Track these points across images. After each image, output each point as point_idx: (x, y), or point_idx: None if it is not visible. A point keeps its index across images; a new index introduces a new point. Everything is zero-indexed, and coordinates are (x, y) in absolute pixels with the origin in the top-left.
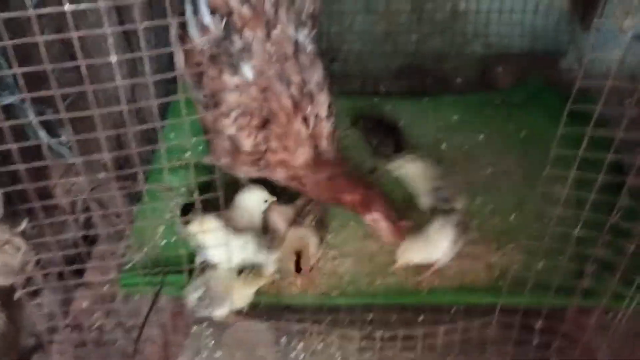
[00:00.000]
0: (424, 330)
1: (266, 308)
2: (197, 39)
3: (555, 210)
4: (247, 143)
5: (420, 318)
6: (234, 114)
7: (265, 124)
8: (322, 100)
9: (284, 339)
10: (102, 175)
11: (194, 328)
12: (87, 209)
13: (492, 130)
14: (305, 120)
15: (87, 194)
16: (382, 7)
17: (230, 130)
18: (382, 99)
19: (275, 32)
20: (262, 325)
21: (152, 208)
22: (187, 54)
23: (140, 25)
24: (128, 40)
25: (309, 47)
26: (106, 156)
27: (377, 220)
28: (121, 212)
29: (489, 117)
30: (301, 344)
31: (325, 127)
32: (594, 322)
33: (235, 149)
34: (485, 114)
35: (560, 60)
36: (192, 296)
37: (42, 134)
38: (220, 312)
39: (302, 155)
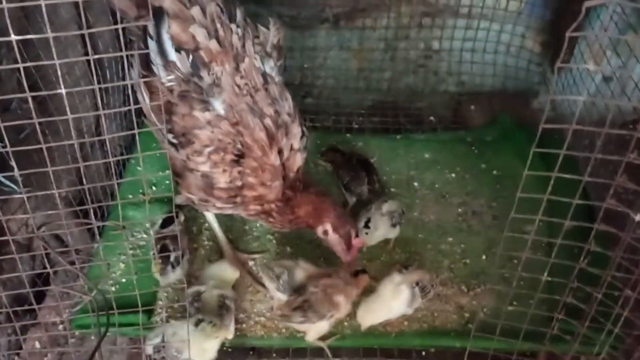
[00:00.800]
0: None
1: (224, 348)
2: (164, 78)
3: (524, 253)
4: (222, 179)
5: None
6: (207, 151)
7: (239, 158)
8: (295, 132)
9: None
10: (59, 210)
11: None
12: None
13: (463, 169)
14: (280, 152)
15: (41, 230)
16: (356, 44)
17: (204, 167)
18: (354, 135)
19: (244, 65)
20: None
21: (111, 245)
22: (154, 94)
23: (94, 56)
24: (95, 72)
25: (277, 78)
26: (60, 191)
27: (327, 232)
28: (79, 248)
29: (461, 155)
30: None
31: (298, 159)
32: None
33: (209, 186)
34: (457, 153)
35: (532, 100)
36: (149, 344)
37: None
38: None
39: (275, 189)
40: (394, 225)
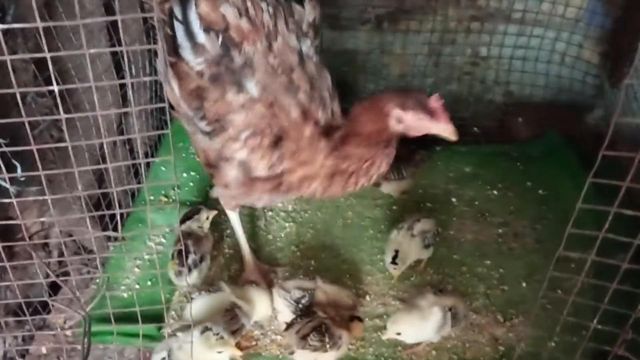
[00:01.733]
0: None
1: None
2: (193, 61)
3: (570, 297)
4: (261, 166)
5: None
6: (243, 136)
7: (277, 142)
8: (335, 109)
9: None
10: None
11: None
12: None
13: (506, 186)
14: (316, 124)
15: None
16: (398, 48)
17: (241, 154)
18: None
19: (277, 44)
20: None
21: (128, 249)
22: (183, 80)
23: (125, 47)
24: (118, 68)
25: (314, 57)
26: (81, 194)
27: (401, 118)
28: (94, 252)
29: (505, 171)
30: None
31: (334, 107)
32: None
33: (249, 177)
34: (500, 168)
35: (585, 115)
36: (156, 357)
37: None
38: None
39: (317, 161)
40: (426, 247)
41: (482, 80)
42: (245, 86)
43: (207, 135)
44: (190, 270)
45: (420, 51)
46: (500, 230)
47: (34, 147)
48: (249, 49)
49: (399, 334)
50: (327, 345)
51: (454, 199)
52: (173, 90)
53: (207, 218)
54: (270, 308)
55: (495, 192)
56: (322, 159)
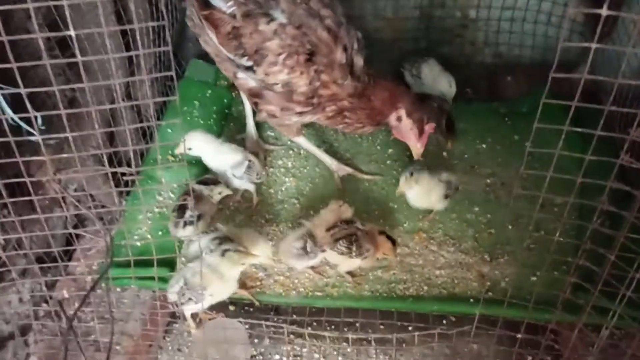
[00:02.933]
0: (404, 337)
1: (246, 307)
2: (224, 6)
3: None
4: (302, 82)
5: (410, 327)
6: (281, 59)
7: (311, 56)
8: (353, 33)
9: (258, 340)
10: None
11: (175, 325)
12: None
13: (494, 140)
14: (345, 49)
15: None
16: (390, 12)
17: (282, 76)
18: None
19: None
20: (239, 324)
21: (139, 203)
22: (219, 27)
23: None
24: (124, 35)
25: None
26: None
27: (401, 117)
28: (110, 204)
29: (493, 126)
30: (278, 346)
31: (360, 60)
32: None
33: (290, 94)
34: (489, 124)
35: (572, 72)
36: (172, 291)
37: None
38: (197, 306)
39: (348, 87)
40: (445, 197)
41: (472, 42)
42: (274, 15)
43: (249, 71)
44: (185, 224)
45: (412, 15)
46: (488, 181)
47: (55, 88)
48: None
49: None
50: (353, 253)
51: (444, 154)
52: (212, 40)
53: (220, 193)
54: (267, 249)
55: (484, 145)
56: (347, 93)
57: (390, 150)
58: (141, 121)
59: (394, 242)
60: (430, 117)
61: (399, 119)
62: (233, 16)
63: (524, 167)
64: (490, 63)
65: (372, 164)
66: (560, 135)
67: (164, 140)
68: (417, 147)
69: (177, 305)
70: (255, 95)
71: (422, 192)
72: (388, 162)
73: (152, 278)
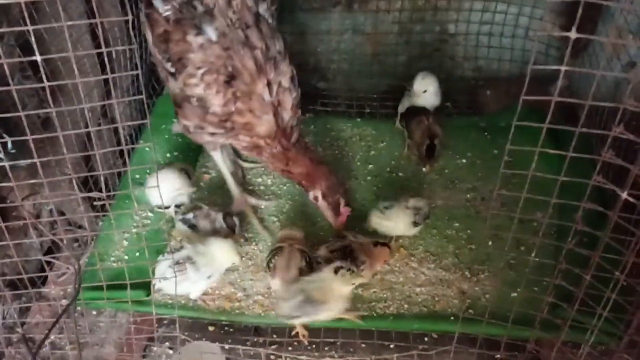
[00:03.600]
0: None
1: (225, 328)
2: (162, 8)
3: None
4: (216, 101)
5: (391, 345)
6: (200, 73)
7: (231, 79)
8: (285, 70)
9: None
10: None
11: (153, 348)
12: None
13: (474, 155)
14: (269, 85)
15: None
16: (369, 27)
17: (198, 90)
18: (365, 119)
19: (236, 1)
20: (216, 348)
21: (117, 221)
22: (154, 27)
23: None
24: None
25: (270, 20)
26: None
27: (317, 198)
28: (85, 224)
29: (473, 141)
30: None
31: (288, 98)
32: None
33: (204, 111)
34: (469, 138)
35: (549, 86)
36: (289, 303)
37: None
38: (314, 317)
39: (266, 123)
40: (415, 224)
41: (451, 57)
42: (205, 30)
43: (172, 77)
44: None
45: (391, 30)
46: (468, 196)
47: (22, 114)
48: (209, 1)
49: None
50: (350, 267)
51: (424, 169)
52: (148, 39)
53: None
54: (233, 257)
55: (464, 160)
56: (266, 131)
57: (370, 167)
58: (118, 140)
59: (389, 247)
60: (348, 198)
61: (315, 198)
62: (167, 20)
63: (498, 185)
64: (469, 77)
65: (352, 180)
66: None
67: (141, 159)
68: (334, 225)
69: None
70: (176, 104)
71: (390, 224)
72: (368, 178)
73: (127, 301)
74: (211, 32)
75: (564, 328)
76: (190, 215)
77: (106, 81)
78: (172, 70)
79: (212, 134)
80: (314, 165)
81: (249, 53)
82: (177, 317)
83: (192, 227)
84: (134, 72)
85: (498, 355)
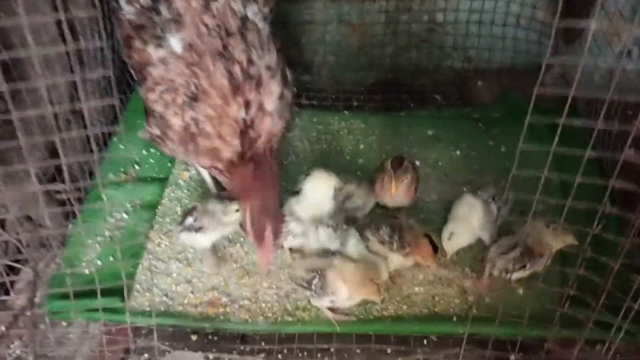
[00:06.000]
0: None
1: (209, 337)
2: (124, 9)
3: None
4: (175, 122)
5: (389, 350)
6: (158, 89)
7: (192, 101)
8: (272, 90)
9: None
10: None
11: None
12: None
13: (469, 147)
14: (246, 106)
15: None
16: (355, 18)
17: (158, 107)
18: (353, 113)
19: (216, 4)
20: (199, 357)
21: (89, 223)
22: (121, 27)
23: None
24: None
25: (261, 25)
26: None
27: (245, 217)
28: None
29: (467, 132)
30: None
31: (267, 123)
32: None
33: (165, 128)
34: (462, 130)
35: (544, 75)
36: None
37: None
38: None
39: (234, 147)
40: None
41: (440, 47)
42: (168, 41)
43: (137, 84)
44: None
45: (378, 20)
46: (464, 189)
47: None
48: (180, 4)
49: None
50: (394, 244)
51: (417, 162)
52: (117, 33)
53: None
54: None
55: (458, 152)
56: (231, 155)
57: (360, 161)
58: (88, 136)
59: (435, 250)
60: (277, 229)
61: (244, 216)
62: (130, 23)
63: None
64: (459, 68)
65: (341, 175)
66: (537, 138)
67: (115, 157)
68: (258, 255)
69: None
70: (144, 109)
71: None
72: (358, 172)
73: (103, 310)
74: (175, 44)
75: (588, 325)
76: (190, 221)
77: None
78: (136, 79)
79: (173, 149)
80: (253, 182)
81: (223, 68)
82: (155, 325)
83: (199, 230)
84: (102, 74)
85: (512, 357)
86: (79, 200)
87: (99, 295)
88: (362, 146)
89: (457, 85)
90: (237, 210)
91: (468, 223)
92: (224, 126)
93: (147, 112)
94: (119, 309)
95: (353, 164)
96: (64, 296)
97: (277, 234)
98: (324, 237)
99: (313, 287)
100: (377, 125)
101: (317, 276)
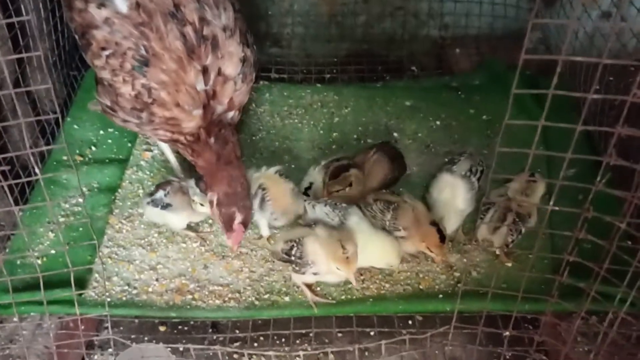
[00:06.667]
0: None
1: (179, 327)
2: None
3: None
4: (125, 91)
5: (372, 332)
6: (104, 54)
7: (142, 66)
8: (231, 51)
9: None
10: None
11: (94, 357)
12: None
13: (449, 116)
14: (205, 71)
15: None
16: None
17: (105, 74)
18: (326, 85)
19: None
20: (163, 351)
21: (39, 213)
22: None
23: None
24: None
25: None
26: None
27: (212, 202)
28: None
29: (446, 101)
30: None
31: (228, 90)
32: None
33: (115, 96)
34: (441, 99)
35: (524, 40)
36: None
37: None
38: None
39: (196, 119)
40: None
41: (415, 15)
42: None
43: (83, 51)
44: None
45: None
46: (446, 160)
47: None
48: None
49: None
50: (387, 222)
51: (395, 134)
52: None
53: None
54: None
55: (438, 122)
56: (194, 128)
57: (335, 135)
58: (37, 116)
59: (443, 240)
60: (247, 219)
61: (210, 202)
62: None
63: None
64: (436, 36)
65: (315, 150)
66: (518, 104)
67: (70, 138)
68: (227, 240)
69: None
70: (95, 78)
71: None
72: (333, 147)
73: (55, 302)
74: (120, 3)
75: (590, 295)
76: (160, 195)
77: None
78: (80, 44)
79: (125, 120)
80: (219, 164)
81: (177, 30)
82: (116, 317)
83: (166, 207)
84: (32, 54)
85: (507, 333)
86: (29, 184)
87: (40, 288)
88: (336, 119)
89: (434, 55)
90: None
91: (454, 206)
92: (181, 94)
93: (96, 81)
94: (73, 301)
95: (326, 138)
96: (15, 289)
97: (246, 224)
98: (322, 214)
99: (293, 257)
100: (352, 97)
101: (295, 244)
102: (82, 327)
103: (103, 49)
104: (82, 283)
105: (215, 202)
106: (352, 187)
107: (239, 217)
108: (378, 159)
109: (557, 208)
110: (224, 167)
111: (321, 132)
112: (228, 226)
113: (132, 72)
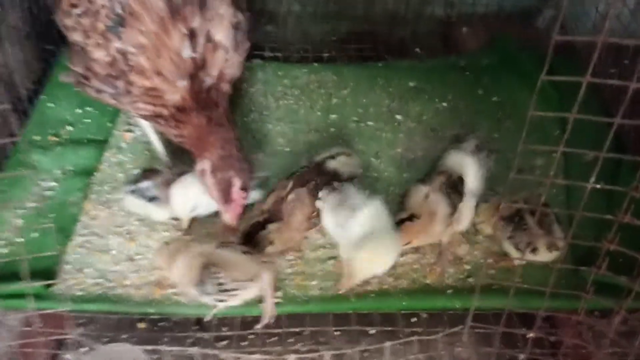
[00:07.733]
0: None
1: (160, 324)
2: None
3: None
4: (98, 56)
5: (372, 331)
6: (74, 12)
7: (117, 27)
8: (221, 13)
9: None
10: None
11: (66, 356)
12: None
13: (456, 97)
14: (191, 36)
15: None
16: None
17: (76, 36)
18: (324, 64)
19: None
20: (138, 352)
21: (8, 194)
22: None
23: None
24: None
25: None
26: None
27: (205, 172)
28: None
29: (453, 82)
30: None
31: (219, 59)
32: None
33: (88, 61)
34: (448, 80)
35: (536, 18)
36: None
37: None
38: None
39: (180, 90)
40: None
41: None
42: None
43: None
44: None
45: None
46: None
47: None
48: None
49: None
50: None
51: (398, 116)
52: None
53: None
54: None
55: (444, 104)
56: (178, 100)
57: (333, 117)
58: (12, 92)
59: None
60: (246, 183)
61: (202, 172)
62: None
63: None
64: (442, 15)
65: (312, 133)
66: (530, 85)
67: (44, 116)
68: (224, 215)
69: None
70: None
71: None
72: (332, 130)
73: (21, 295)
74: None
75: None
76: (147, 185)
77: None
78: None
79: (98, 90)
80: (210, 127)
81: None
82: (78, 312)
83: (153, 200)
84: None
85: (530, 335)
86: None
87: None
88: (334, 101)
89: (439, 35)
90: None
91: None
92: (163, 60)
93: (69, 47)
94: (44, 295)
95: (324, 120)
96: None
97: (246, 188)
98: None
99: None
100: (352, 77)
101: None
102: (50, 323)
103: (74, 5)
104: (50, 275)
105: (209, 169)
106: (275, 244)
107: (237, 182)
108: (296, 198)
109: (598, 186)
110: (216, 130)
111: (318, 114)
112: (226, 195)
113: (106, 34)
